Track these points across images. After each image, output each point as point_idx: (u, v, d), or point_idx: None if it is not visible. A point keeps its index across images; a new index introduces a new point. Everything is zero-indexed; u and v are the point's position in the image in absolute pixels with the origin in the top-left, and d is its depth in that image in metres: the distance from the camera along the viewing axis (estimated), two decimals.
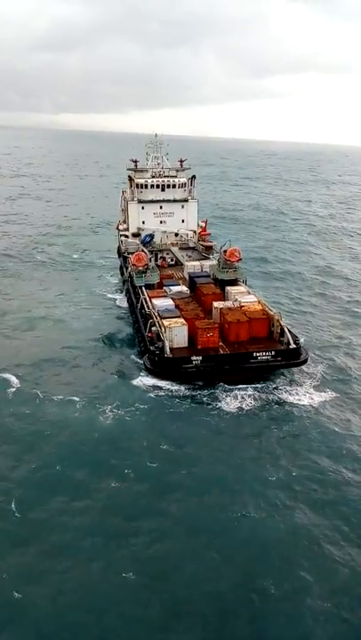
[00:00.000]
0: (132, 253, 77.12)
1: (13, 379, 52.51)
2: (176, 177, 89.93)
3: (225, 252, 70.84)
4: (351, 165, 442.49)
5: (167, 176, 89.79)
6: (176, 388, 50.80)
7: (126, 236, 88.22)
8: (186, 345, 54.30)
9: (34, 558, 31.74)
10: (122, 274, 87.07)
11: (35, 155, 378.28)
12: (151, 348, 53.02)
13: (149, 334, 55.47)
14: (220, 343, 54.84)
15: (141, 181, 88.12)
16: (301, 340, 56.55)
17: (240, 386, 51.08)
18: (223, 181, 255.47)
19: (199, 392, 50.52)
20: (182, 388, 50.84)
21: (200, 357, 51.34)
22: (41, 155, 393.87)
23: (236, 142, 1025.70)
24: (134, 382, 52.13)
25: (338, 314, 76.17)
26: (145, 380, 52.20)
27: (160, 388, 50.90)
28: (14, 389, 50.83)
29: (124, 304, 76.47)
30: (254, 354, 52.25)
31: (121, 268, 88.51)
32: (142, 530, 33.86)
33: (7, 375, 53.20)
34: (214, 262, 75.19)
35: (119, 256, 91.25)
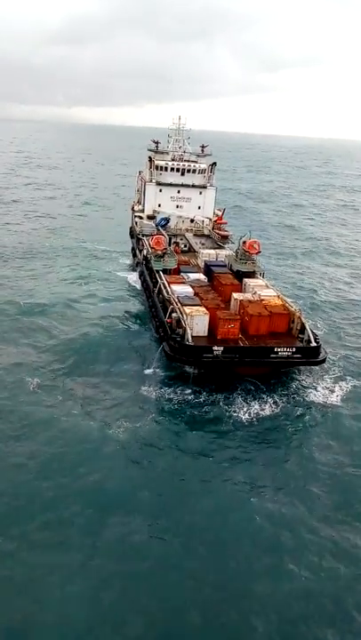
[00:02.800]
0: (147, 235, 76.03)
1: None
2: (197, 162, 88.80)
3: (244, 242, 70.14)
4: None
5: (188, 160, 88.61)
6: (191, 397, 48.98)
7: (141, 218, 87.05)
8: (205, 334, 53.74)
9: None
10: (134, 255, 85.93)
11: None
12: (172, 335, 52.50)
13: (169, 320, 54.85)
14: (240, 335, 54.48)
15: (162, 163, 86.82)
16: (320, 338, 56.33)
17: (261, 396, 49.68)
18: (237, 174, 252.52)
19: (214, 396, 49.00)
20: (198, 395, 49.25)
21: (222, 348, 50.91)
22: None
23: (255, 137, 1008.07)
24: (145, 386, 50.09)
25: (355, 311, 76.17)
26: (159, 379, 51.07)
27: (173, 389, 49.65)
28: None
29: (138, 284, 75.73)
30: (275, 349, 51.94)
31: (133, 249, 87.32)
32: None
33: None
34: (229, 252, 74.51)
35: (132, 237, 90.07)
